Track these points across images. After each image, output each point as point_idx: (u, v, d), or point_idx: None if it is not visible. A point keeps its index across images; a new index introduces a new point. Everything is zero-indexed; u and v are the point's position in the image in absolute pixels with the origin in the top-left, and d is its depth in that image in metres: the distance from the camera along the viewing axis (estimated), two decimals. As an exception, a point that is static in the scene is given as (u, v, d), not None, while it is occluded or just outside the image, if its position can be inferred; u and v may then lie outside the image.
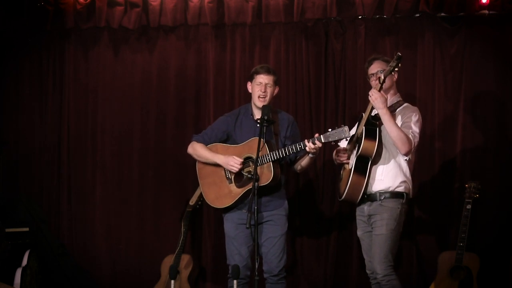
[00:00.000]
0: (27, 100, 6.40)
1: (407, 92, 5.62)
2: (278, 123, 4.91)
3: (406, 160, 4.69)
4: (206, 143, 4.98)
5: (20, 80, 6.41)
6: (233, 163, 4.77)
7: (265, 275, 4.85)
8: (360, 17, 5.93)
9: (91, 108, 6.34)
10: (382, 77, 4.61)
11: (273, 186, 4.76)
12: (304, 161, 4.85)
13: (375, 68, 4.80)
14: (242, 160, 4.76)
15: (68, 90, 6.35)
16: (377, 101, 4.58)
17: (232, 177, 4.84)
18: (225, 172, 4.88)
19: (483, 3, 5.66)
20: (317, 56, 6.01)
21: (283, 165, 4.89)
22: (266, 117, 4.67)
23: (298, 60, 6.03)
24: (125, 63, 6.32)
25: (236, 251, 4.83)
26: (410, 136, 4.61)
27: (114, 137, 6.30)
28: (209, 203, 4.98)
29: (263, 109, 4.76)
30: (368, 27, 5.93)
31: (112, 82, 6.33)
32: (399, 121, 4.69)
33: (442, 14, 5.81)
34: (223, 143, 4.96)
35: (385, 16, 5.89)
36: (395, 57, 4.55)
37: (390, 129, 4.58)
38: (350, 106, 5.92)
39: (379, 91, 4.61)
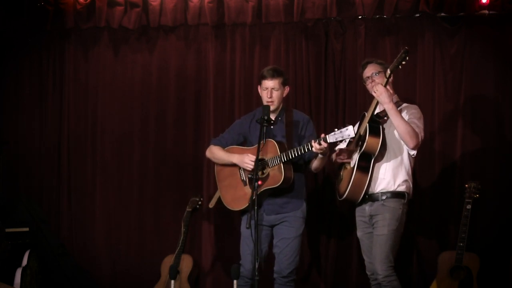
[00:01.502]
0: (27, 100, 6.40)
1: (407, 92, 5.63)
2: (293, 123, 4.92)
3: (413, 155, 4.69)
4: (223, 146, 5.03)
5: (20, 80, 6.42)
6: (248, 160, 4.79)
7: (274, 275, 4.87)
8: (360, 17, 5.93)
9: (91, 108, 6.34)
10: (389, 72, 4.62)
11: (287, 187, 4.77)
12: (315, 162, 4.85)
13: (370, 71, 4.81)
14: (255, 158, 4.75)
15: (68, 90, 6.35)
16: (383, 96, 4.59)
17: (247, 179, 4.86)
18: (240, 175, 4.91)
19: (483, 3, 5.66)
20: (317, 56, 6.01)
21: (302, 166, 4.89)
22: (266, 117, 4.68)
23: (298, 60, 6.03)
24: (125, 63, 6.32)
25: (248, 251, 4.83)
26: (417, 130, 4.62)
27: (114, 137, 6.30)
28: (226, 206, 5.01)
29: (263, 109, 4.78)
30: (368, 27, 5.93)
31: (112, 82, 6.33)
32: (404, 116, 4.68)
33: (442, 14, 5.80)
34: (240, 145, 5.00)
35: (385, 16, 5.89)
36: (402, 51, 4.55)
37: (397, 123, 4.58)
38: (350, 106, 5.92)
39: (385, 86, 4.61)
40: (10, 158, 6.21)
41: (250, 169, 4.78)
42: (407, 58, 4.57)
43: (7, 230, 5.30)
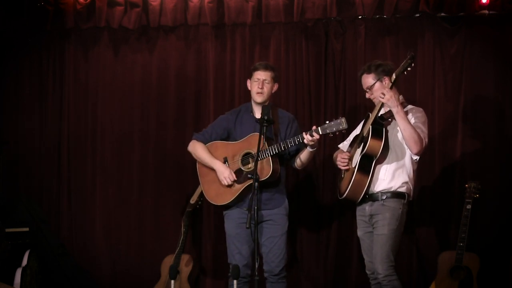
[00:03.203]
0: (27, 100, 6.40)
1: (407, 92, 5.62)
2: (278, 121, 4.91)
3: (415, 160, 4.69)
4: (206, 141, 5.01)
5: (20, 80, 6.42)
6: (227, 176, 4.81)
7: (265, 275, 4.87)
8: (360, 17, 5.93)
9: (91, 108, 6.34)
10: (394, 77, 4.62)
11: (273, 182, 4.77)
12: (303, 155, 4.83)
13: (364, 84, 4.82)
14: (235, 178, 4.79)
15: (68, 90, 6.35)
16: (392, 100, 4.58)
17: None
18: None
19: (483, 3, 5.66)
20: (317, 56, 6.01)
21: (284, 161, 4.90)
22: (266, 117, 4.68)
23: (298, 60, 6.03)
24: (125, 63, 6.32)
25: (236, 250, 4.84)
26: (422, 135, 4.62)
27: (114, 137, 6.30)
28: (209, 201, 5.00)
29: (263, 109, 4.78)
30: (368, 27, 5.93)
31: (112, 82, 6.33)
32: (409, 119, 4.69)
33: (442, 14, 5.81)
34: (224, 140, 4.98)
35: (385, 16, 5.89)
36: (408, 56, 4.56)
37: (404, 127, 4.58)
38: (350, 106, 5.92)
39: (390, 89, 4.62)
40: (10, 158, 6.21)
41: (224, 184, 4.81)
42: (413, 64, 4.57)
43: (7, 230, 5.31)
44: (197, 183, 6.05)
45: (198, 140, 5.04)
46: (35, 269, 5.56)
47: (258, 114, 4.87)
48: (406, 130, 4.58)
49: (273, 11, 5.99)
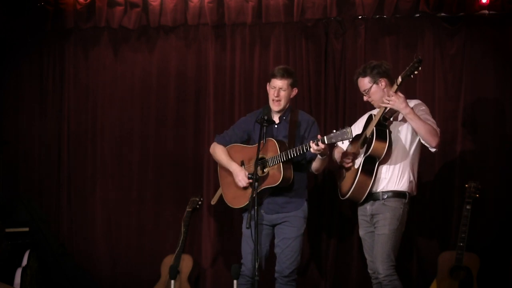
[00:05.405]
0: (27, 100, 6.41)
1: (407, 92, 5.61)
2: (296, 123, 4.92)
3: (434, 152, 4.68)
4: (227, 143, 5.05)
5: (20, 80, 6.42)
6: (241, 178, 4.85)
7: (276, 275, 4.88)
8: (360, 17, 5.93)
9: (91, 108, 6.34)
10: (400, 80, 4.60)
11: (287, 187, 4.78)
12: (315, 163, 4.85)
13: (361, 88, 4.82)
14: (249, 181, 4.79)
15: (68, 90, 6.36)
16: (398, 103, 4.56)
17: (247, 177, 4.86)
18: None
19: (483, 3, 5.66)
20: (317, 56, 6.01)
21: (303, 165, 4.89)
22: (266, 117, 4.69)
23: (298, 60, 6.03)
24: (125, 63, 6.32)
25: (249, 250, 4.83)
26: (434, 127, 4.62)
27: (114, 137, 6.30)
28: (227, 203, 5.04)
29: (264, 109, 4.79)
30: (368, 27, 5.93)
31: (112, 82, 6.33)
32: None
33: (442, 14, 5.81)
34: (244, 142, 5.01)
35: (385, 16, 5.89)
36: (415, 60, 4.55)
37: (418, 125, 4.57)
38: (350, 106, 5.91)
39: (395, 92, 4.60)
40: (10, 158, 6.22)
41: (240, 187, 4.83)
42: (420, 68, 4.57)
43: (7, 230, 5.30)
44: (197, 184, 6.10)
45: (219, 142, 5.08)
46: (35, 269, 5.56)
47: (276, 118, 4.90)
48: (421, 127, 4.57)
49: (273, 11, 5.99)
